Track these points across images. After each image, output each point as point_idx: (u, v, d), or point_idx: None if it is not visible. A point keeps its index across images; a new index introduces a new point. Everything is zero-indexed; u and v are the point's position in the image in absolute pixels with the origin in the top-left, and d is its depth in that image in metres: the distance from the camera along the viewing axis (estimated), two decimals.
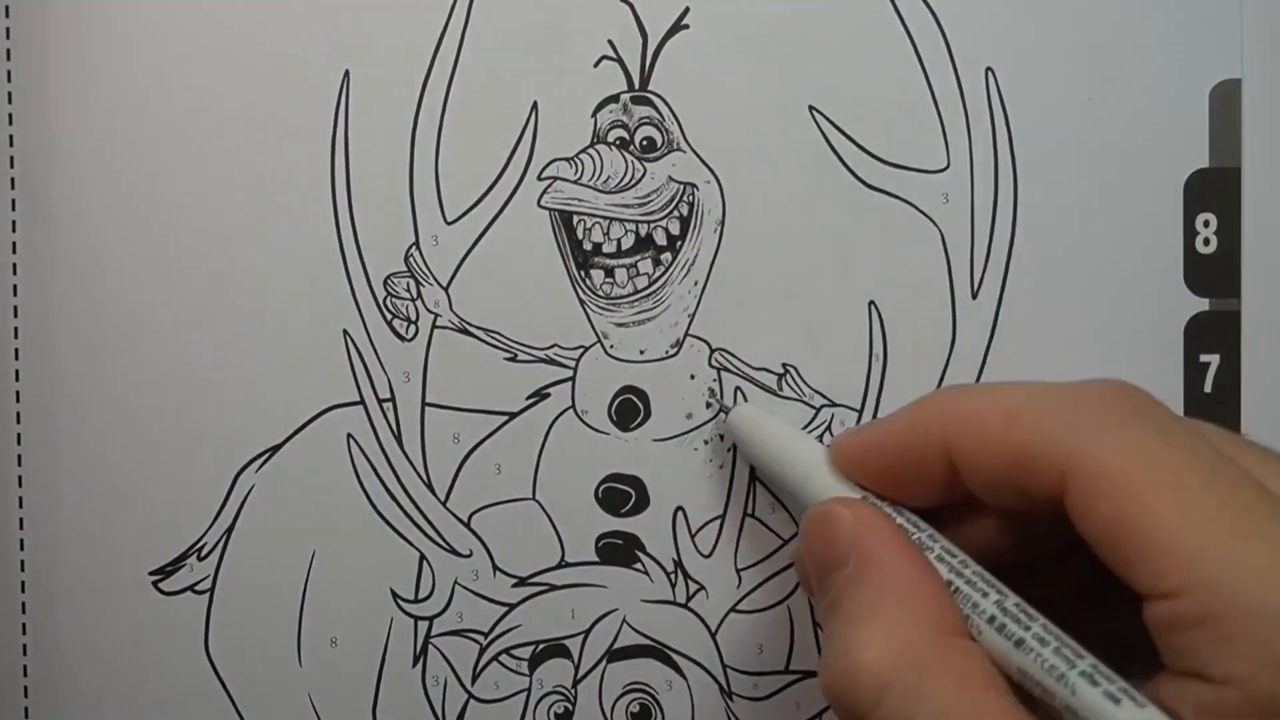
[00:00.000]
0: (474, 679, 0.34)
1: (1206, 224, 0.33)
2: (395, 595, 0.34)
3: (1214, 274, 0.33)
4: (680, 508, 0.33)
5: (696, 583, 0.34)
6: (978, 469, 0.26)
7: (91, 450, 0.33)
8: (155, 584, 0.34)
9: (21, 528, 0.34)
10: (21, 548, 0.34)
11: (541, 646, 0.34)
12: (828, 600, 0.27)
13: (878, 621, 0.25)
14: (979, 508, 0.27)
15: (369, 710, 0.34)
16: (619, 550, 0.34)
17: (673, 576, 0.34)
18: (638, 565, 0.34)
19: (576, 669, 0.34)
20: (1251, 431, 0.33)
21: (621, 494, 0.33)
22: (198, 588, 0.34)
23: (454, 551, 0.33)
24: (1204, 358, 0.33)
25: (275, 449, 0.33)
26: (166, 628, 0.34)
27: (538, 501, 0.33)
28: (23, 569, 0.34)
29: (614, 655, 0.34)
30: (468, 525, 0.33)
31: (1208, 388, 0.33)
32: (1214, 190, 0.33)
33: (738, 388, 0.33)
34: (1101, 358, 0.33)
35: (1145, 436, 0.24)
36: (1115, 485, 0.23)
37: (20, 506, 0.34)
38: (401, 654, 0.34)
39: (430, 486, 0.33)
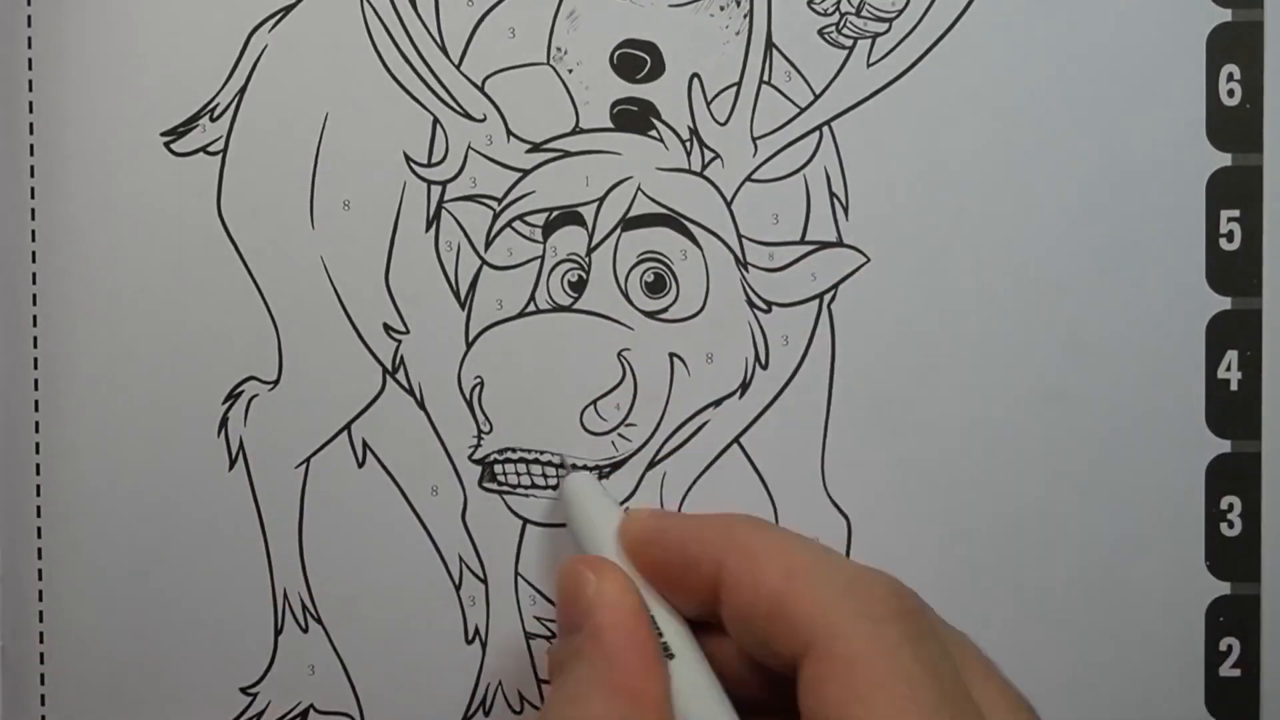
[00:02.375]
0: (487, 245, 0.33)
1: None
2: (408, 158, 0.33)
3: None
4: (696, 74, 0.33)
5: (712, 150, 0.33)
6: (738, 604, 0.27)
7: (101, 11, 0.33)
8: (167, 145, 0.33)
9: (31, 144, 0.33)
10: (31, 174, 0.34)
11: (555, 213, 0.33)
12: (554, 660, 0.28)
13: (584, 707, 0.26)
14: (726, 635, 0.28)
15: (381, 274, 0.33)
16: (634, 117, 0.33)
17: (688, 144, 0.33)
18: (653, 132, 0.33)
19: (591, 236, 0.33)
20: (1274, 432, 0.33)
21: (637, 59, 0.33)
22: (210, 149, 0.33)
23: (467, 115, 0.33)
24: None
25: (289, 9, 0.33)
26: (178, 189, 0.33)
27: (552, 66, 0.33)
28: (31, 153, 0.34)
29: (629, 224, 0.33)
30: (481, 89, 0.33)
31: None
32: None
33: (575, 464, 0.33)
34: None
35: (898, 639, 0.25)
36: (848, 672, 0.24)
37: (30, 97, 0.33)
38: (414, 218, 0.33)
39: (444, 48, 0.33)
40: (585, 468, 0.33)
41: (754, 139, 0.33)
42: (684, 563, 0.28)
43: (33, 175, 0.33)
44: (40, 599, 0.34)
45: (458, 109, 0.33)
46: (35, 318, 0.33)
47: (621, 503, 0.33)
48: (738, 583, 0.27)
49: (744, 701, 0.27)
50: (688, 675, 0.27)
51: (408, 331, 0.33)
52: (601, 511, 0.30)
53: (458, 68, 0.33)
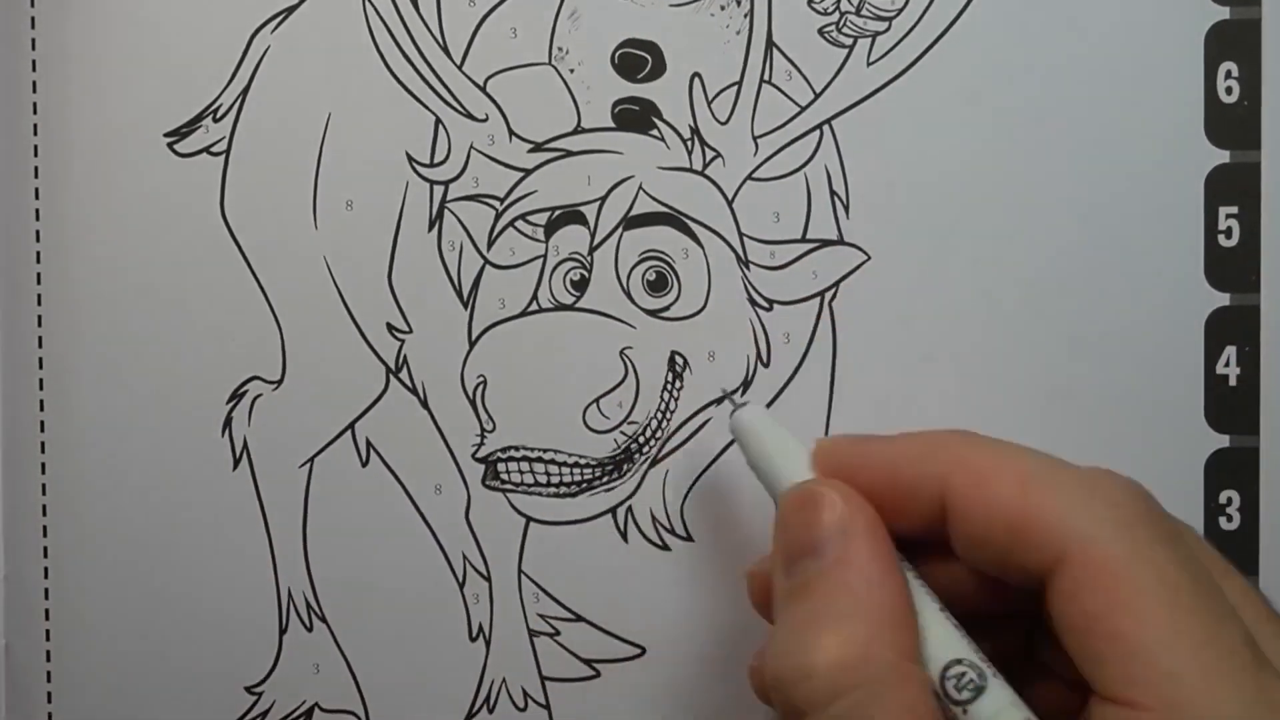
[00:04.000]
0: (490, 245, 0.34)
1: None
2: (411, 158, 0.33)
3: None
4: (697, 73, 0.33)
5: (713, 149, 0.34)
6: (972, 524, 0.25)
7: (105, 13, 0.33)
8: (171, 145, 0.33)
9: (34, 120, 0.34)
10: (36, 174, 0.34)
11: (558, 213, 0.34)
12: (794, 584, 0.26)
13: (846, 629, 0.25)
14: (943, 550, 0.27)
15: (384, 273, 0.34)
16: (635, 116, 0.33)
17: (689, 143, 0.34)
18: (654, 131, 0.33)
19: (593, 236, 0.33)
20: (1272, 427, 0.33)
21: (638, 59, 0.33)
22: (213, 149, 0.33)
23: (469, 115, 0.33)
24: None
25: (291, 10, 0.33)
26: (182, 189, 0.33)
27: (553, 66, 0.33)
28: (36, 154, 0.34)
29: (631, 222, 0.34)
30: (483, 89, 0.33)
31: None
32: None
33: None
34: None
35: (1153, 543, 0.24)
36: (1111, 581, 0.23)
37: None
38: (417, 218, 0.34)
39: (446, 49, 0.33)
40: (746, 401, 0.32)
41: (755, 138, 0.34)
42: (898, 486, 0.26)
43: (37, 175, 0.33)
44: (45, 597, 0.34)
45: (460, 109, 0.33)
46: (40, 317, 0.33)
47: (626, 499, 0.33)
48: (969, 502, 0.25)
49: (968, 616, 0.26)
50: (925, 604, 0.26)
51: (411, 331, 0.34)
52: (786, 441, 0.29)
53: (460, 68, 0.33)
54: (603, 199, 0.33)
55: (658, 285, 0.34)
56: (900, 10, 0.33)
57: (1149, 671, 0.23)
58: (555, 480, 0.34)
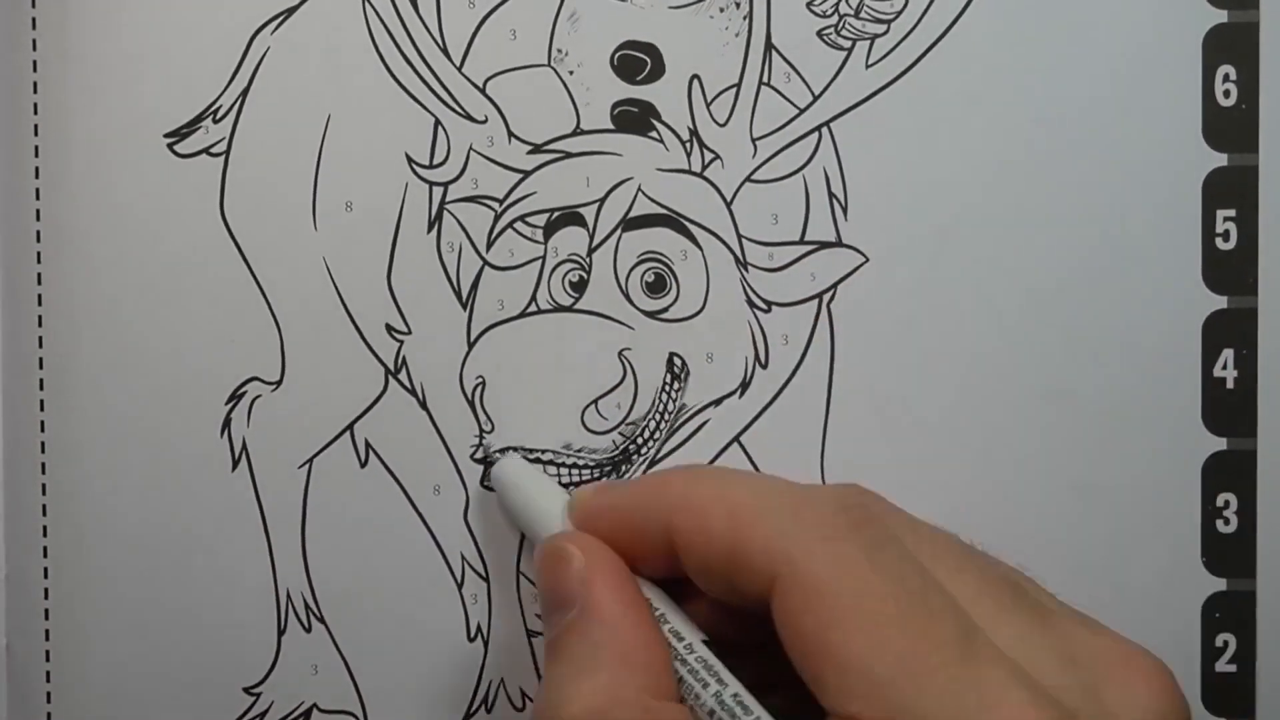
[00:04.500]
0: (489, 246, 0.34)
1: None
2: (410, 160, 0.33)
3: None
4: (696, 75, 0.34)
5: (712, 151, 0.34)
6: (695, 558, 0.26)
7: (105, 14, 0.33)
8: (170, 146, 0.33)
9: (35, 113, 0.34)
10: (36, 175, 0.34)
11: (556, 214, 0.34)
12: (551, 638, 0.27)
13: (590, 680, 0.26)
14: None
15: (384, 274, 0.34)
16: (634, 118, 0.34)
17: (688, 145, 0.34)
18: (653, 133, 0.34)
19: (592, 237, 0.34)
20: (1269, 430, 0.33)
21: (637, 61, 0.33)
22: (213, 150, 0.33)
23: (468, 116, 0.33)
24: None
25: (291, 11, 0.33)
26: (182, 190, 0.33)
27: (553, 68, 0.34)
28: (36, 154, 0.34)
29: (629, 224, 0.34)
30: (482, 90, 0.33)
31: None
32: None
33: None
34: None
35: (855, 554, 0.24)
36: (817, 599, 0.24)
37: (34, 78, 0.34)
38: (416, 219, 0.34)
39: (445, 50, 0.33)
40: (507, 449, 0.33)
41: (753, 140, 0.34)
42: (636, 530, 0.28)
43: (37, 176, 0.33)
44: (45, 597, 0.34)
45: (459, 110, 0.33)
46: (40, 318, 0.33)
47: None
48: (689, 539, 0.26)
49: (730, 646, 0.27)
50: (678, 651, 0.27)
51: (410, 332, 0.34)
52: (545, 492, 0.31)
53: (459, 69, 0.33)
54: (602, 200, 0.34)
55: (656, 287, 0.34)
56: (899, 13, 0.33)
57: (862, 683, 0.23)
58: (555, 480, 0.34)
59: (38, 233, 0.34)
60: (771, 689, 0.26)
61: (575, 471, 0.33)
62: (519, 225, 0.34)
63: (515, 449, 0.33)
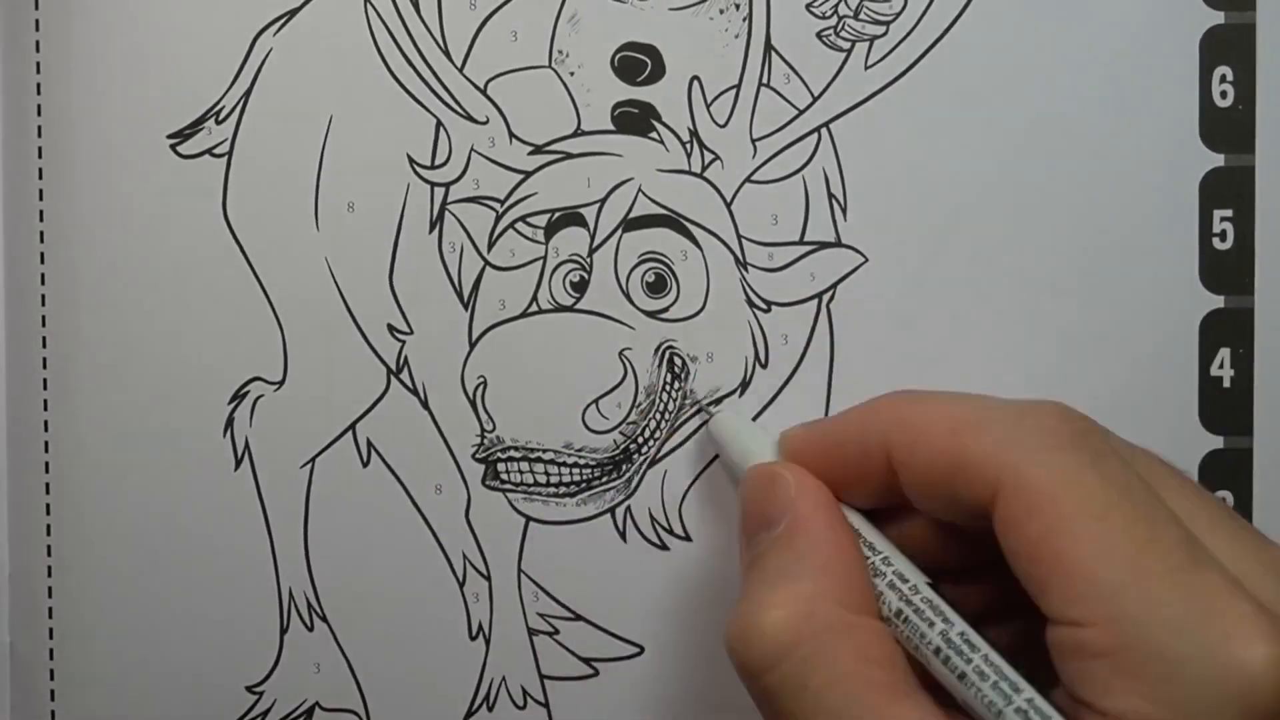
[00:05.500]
0: (490, 246, 0.34)
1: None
2: (412, 160, 0.34)
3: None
4: (696, 77, 0.34)
5: (712, 152, 0.34)
6: (915, 473, 0.27)
7: (108, 15, 0.33)
8: (173, 147, 0.34)
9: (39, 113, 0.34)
10: (40, 176, 0.34)
11: (557, 214, 0.34)
12: (752, 556, 0.28)
13: (791, 587, 0.26)
14: (912, 511, 0.28)
15: (385, 275, 0.34)
16: (635, 119, 0.34)
17: (688, 146, 0.34)
18: (653, 134, 0.34)
19: (592, 238, 0.34)
20: (1265, 429, 0.34)
21: (638, 62, 0.34)
22: (216, 151, 0.34)
23: (470, 117, 0.34)
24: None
25: (293, 12, 0.34)
26: (184, 191, 0.34)
27: (553, 69, 0.34)
28: (40, 155, 0.34)
29: (630, 224, 0.34)
30: (483, 91, 0.34)
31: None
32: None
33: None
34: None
35: (1080, 463, 0.24)
36: (1044, 506, 0.24)
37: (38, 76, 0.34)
38: (418, 220, 0.34)
39: (447, 52, 0.34)
40: (718, 403, 0.33)
41: (753, 141, 0.34)
42: (850, 456, 0.28)
43: (41, 177, 0.34)
44: (49, 596, 0.34)
45: (460, 111, 0.34)
46: (44, 318, 0.34)
47: (625, 499, 0.34)
48: (910, 456, 0.26)
49: (949, 572, 0.27)
50: (903, 593, 0.27)
51: (411, 332, 0.34)
52: (756, 437, 0.31)
53: (460, 71, 0.34)
54: (602, 201, 0.34)
55: (657, 287, 0.34)
56: (898, 15, 0.33)
57: (1088, 588, 0.23)
58: (555, 480, 0.34)
59: (41, 233, 0.34)
60: (981, 619, 0.26)
61: (576, 470, 0.34)
62: (520, 226, 0.34)
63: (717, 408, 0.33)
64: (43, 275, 0.34)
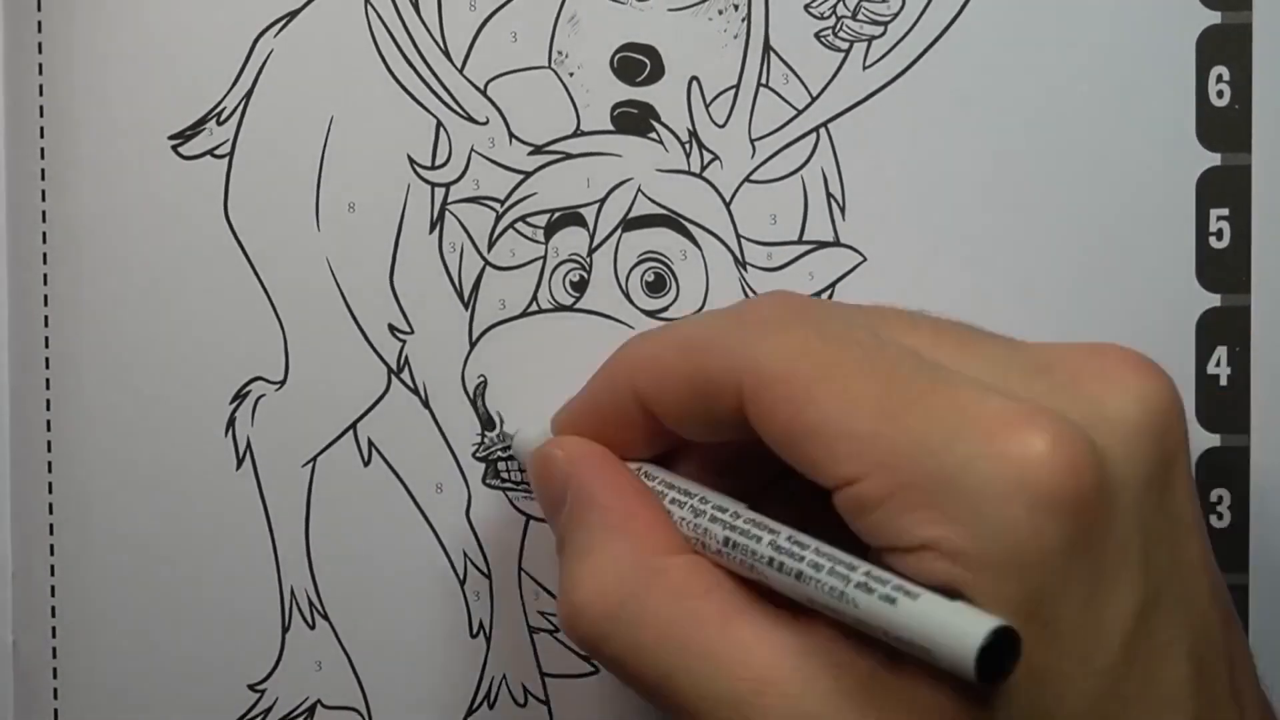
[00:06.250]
0: (490, 246, 0.34)
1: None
2: (412, 161, 0.34)
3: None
4: (695, 77, 0.34)
5: (711, 152, 0.34)
6: (668, 408, 0.27)
7: (110, 16, 0.34)
8: (175, 148, 0.34)
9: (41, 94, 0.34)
10: (42, 176, 0.34)
11: (557, 214, 0.34)
12: (557, 541, 0.28)
13: (591, 560, 0.26)
14: (694, 448, 0.28)
15: (386, 275, 0.34)
16: (634, 119, 0.34)
17: (687, 146, 0.34)
18: (652, 134, 0.34)
19: (592, 238, 0.34)
20: (1262, 427, 0.34)
21: (637, 63, 0.34)
22: (217, 152, 0.34)
23: (470, 118, 0.34)
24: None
25: (294, 14, 0.34)
26: (186, 192, 0.34)
27: (553, 69, 0.34)
28: (42, 156, 0.34)
29: (629, 224, 0.34)
30: (483, 92, 0.34)
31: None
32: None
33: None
34: None
35: (804, 337, 0.24)
36: (783, 388, 0.24)
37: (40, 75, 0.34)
38: (419, 220, 0.34)
39: (447, 53, 0.34)
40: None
41: (752, 141, 0.34)
42: (612, 417, 0.28)
43: (43, 178, 0.34)
44: (52, 595, 0.34)
45: (460, 112, 0.34)
46: (46, 318, 0.34)
47: None
48: (657, 393, 0.27)
49: (754, 490, 0.27)
50: (691, 519, 0.27)
51: (412, 331, 0.34)
52: (536, 432, 0.31)
53: (460, 71, 0.34)
54: (602, 201, 0.34)
55: (656, 286, 0.34)
56: (896, 15, 0.34)
57: (846, 445, 0.23)
58: None
59: (44, 234, 0.34)
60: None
61: None
62: (520, 226, 0.34)
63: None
64: (45, 275, 0.34)
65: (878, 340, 0.24)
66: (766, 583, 0.25)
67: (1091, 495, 0.22)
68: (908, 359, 0.24)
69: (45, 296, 0.34)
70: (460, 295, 0.34)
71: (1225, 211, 0.34)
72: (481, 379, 0.34)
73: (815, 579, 0.24)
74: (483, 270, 0.34)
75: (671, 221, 0.34)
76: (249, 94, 0.34)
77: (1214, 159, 0.34)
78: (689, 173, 0.34)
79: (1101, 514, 0.22)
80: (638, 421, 0.28)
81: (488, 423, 0.34)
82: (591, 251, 0.34)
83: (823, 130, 0.34)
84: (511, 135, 0.34)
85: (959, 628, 0.22)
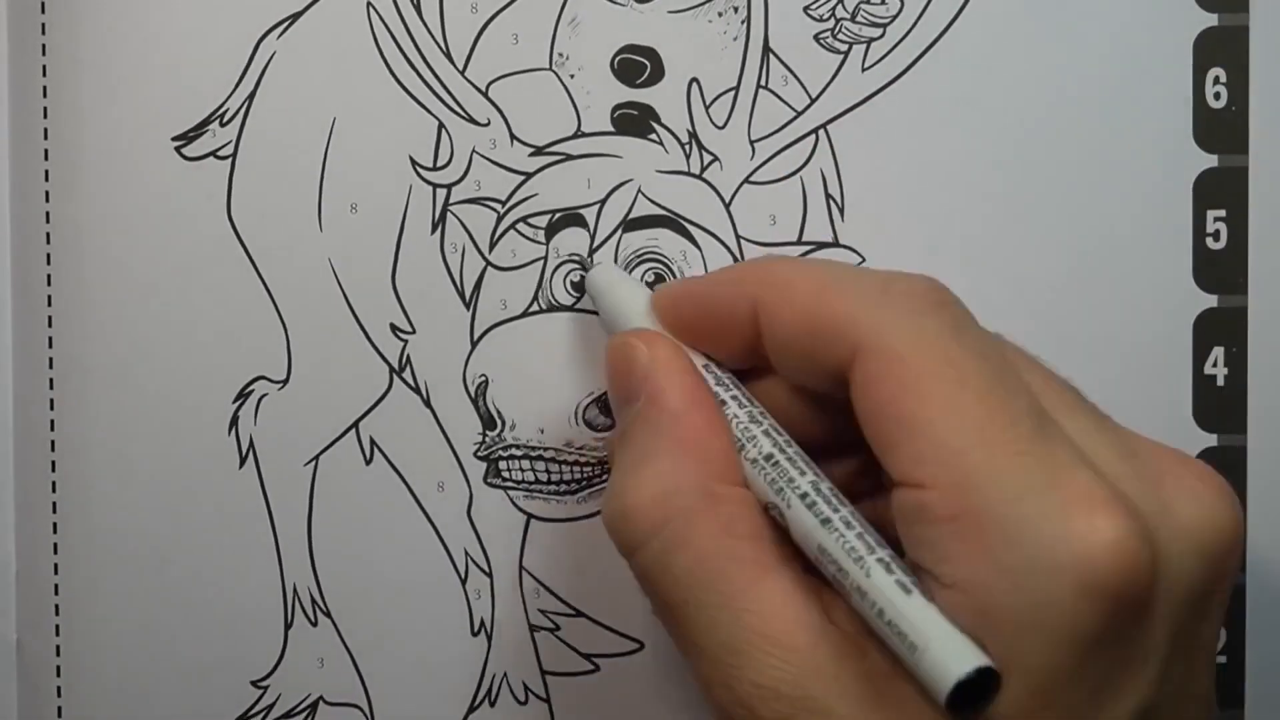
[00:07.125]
0: (491, 246, 0.34)
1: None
2: (414, 162, 0.34)
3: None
4: (695, 79, 0.34)
5: (711, 153, 0.34)
6: (780, 331, 0.26)
7: (113, 19, 0.34)
8: (178, 150, 0.34)
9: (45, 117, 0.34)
10: (46, 178, 0.34)
11: (558, 215, 0.34)
12: (619, 432, 0.28)
13: (653, 466, 0.26)
14: (774, 378, 0.28)
15: (388, 275, 0.34)
16: (634, 120, 0.34)
17: (687, 147, 0.34)
18: (653, 136, 0.34)
19: (592, 238, 0.34)
20: (1259, 427, 0.34)
21: (637, 64, 0.34)
22: (220, 153, 0.34)
23: (471, 119, 0.34)
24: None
25: (296, 16, 0.34)
26: (189, 193, 0.34)
27: (554, 71, 0.34)
28: (46, 158, 0.34)
29: (629, 225, 0.34)
30: (485, 94, 0.34)
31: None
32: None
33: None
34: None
35: (939, 329, 0.24)
36: (898, 367, 0.24)
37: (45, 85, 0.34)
38: (420, 221, 0.34)
39: (448, 54, 0.34)
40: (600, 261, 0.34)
41: (752, 142, 0.34)
42: (719, 312, 0.28)
43: (47, 179, 0.34)
44: (56, 593, 0.34)
45: (462, 114, 0.34)
46: (50, 318, 0.34)
47: None
48: (775, 314, 0.26)
49: (806, 444, 0.27)
50: (747, 424, 0.27)
51: (414, 331, 0.34)
52: (631, 292, 0.31)
53: (462, 73, 0.34)
54: (602, 202, 0.34)
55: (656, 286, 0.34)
56: (894, 17, 0.34)
57: (934, 450, 0.23)
58: (556, 478, 0.34)
59: (48, 234, 0.34)
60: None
61: (577, 468, 0.34)
62: (521, 226, 0.34)
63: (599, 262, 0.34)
64: (49, 276, 0.34)
65: (1004, 364, 0.24)
66: (785, 523, 0.25)
67: (1140, 596, 0.22)
68: (1025, 396, 0.24)
69: (49, 297, 0.34)
70: (462, 295, 0.34)
71: (1222, 213, 0.34)
72: (482, 378, 0.34)
73: (841, 534, 0.24)
74: (484, 270, 0.34)
75: (671, 222, 0.34)
76: (252, 96, 0.34)
77: (1211, 160, 0.34)
78: (689, 174, 0.34)
79: (1141, 616, 0.22)
80: (739, 331, 0.27)
81: (489, 422, 0.34)
82: (592, 252, 0.34)
83: (822, 132, 0.34)
84: (512, 136, 0.34)
85: (956, 649, 0.22)
